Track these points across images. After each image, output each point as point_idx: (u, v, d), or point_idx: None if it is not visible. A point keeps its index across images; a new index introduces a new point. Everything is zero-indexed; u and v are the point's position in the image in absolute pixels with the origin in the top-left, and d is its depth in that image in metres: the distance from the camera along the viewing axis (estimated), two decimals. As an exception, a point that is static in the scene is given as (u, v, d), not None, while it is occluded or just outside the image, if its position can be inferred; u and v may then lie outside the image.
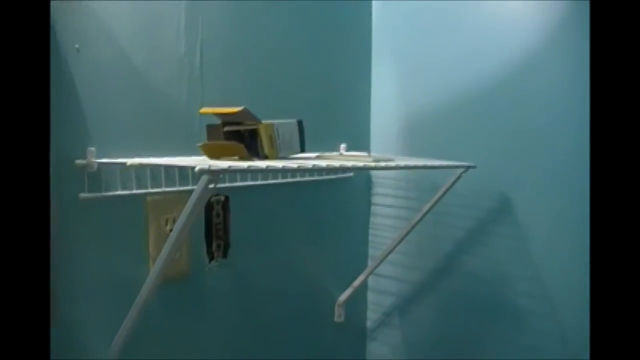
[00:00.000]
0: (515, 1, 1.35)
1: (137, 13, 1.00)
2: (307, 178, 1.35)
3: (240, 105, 0.90)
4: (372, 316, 1.65)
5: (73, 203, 0.91)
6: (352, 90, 1.55)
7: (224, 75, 1.16)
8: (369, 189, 1.62)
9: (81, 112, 0.92)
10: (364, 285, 1.58)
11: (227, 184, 1.15)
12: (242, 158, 0.88)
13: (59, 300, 0.90)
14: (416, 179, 1.53)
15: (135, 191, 1.00)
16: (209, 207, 1.13)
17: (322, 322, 1.50)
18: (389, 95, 1.56)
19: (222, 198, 1.16)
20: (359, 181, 1.58)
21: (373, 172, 1.60)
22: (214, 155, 0.90)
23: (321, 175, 1.40)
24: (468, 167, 1.26)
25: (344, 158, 1.14)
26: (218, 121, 0.94)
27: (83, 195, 0.92)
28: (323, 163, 0.90)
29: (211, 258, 1.15)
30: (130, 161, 0.90)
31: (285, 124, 0.98)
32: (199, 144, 0.91)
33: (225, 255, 1.18)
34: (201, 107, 0.99)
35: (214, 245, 1.16)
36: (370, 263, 1.57)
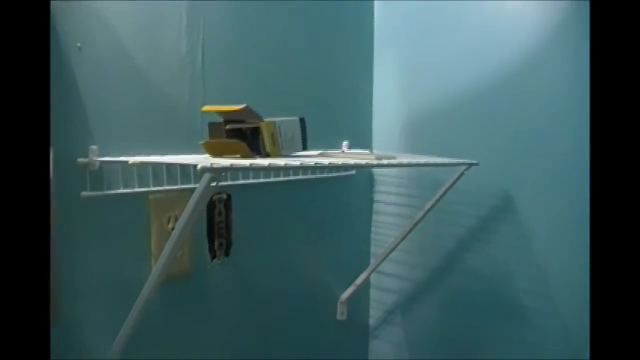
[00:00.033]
0: (516, 1, 1.35)
1: (139, 12, 1.00)
2: (309, 176, 1.35)
3: (242, 104, 0.90)
4: (374, 314, 1.65)
5: (75, 201, 0.91)
6: (354, 88, 1.54)
7: (225, 74, 1.16)
8: (371, 186, 1.61)
9: (83, 110, 0.92)
10: (366, 283, 1.58)
11: (229, 182, 1.15)
12: (244, 156, 0.88)
13: (61, 299, 0.90)
14: (418, 177, 1.53)
15: (137, 189, 1.00)
16: (211, 206, 1.13)
17: (325, 320, 1.50)
18: (391, 93, 1.56)
19: (224, 196, 1.16)
20: (361, 179, 1.58)
21: (375, 170, 1.60)
22: (216, 153, 0.90)
23: (323, 173, 1.39)
24: (471, 165, 1.26)
25: (346, 156, 1.14)
26: (220, 119, 0.94)
27: (85, 193, 0.92)
28: (325, 161, 0.89)
29: (213, 256, 1.15)
30: (132, 159, 0.90)
31: (287, 121, 0.98)
32: (201, 142, 0.91)
33: (227, 254, 1.18)
34: (203, 105, 0.99)
35: (216, 243, 1.15)
36: (373, 261, 1.57)
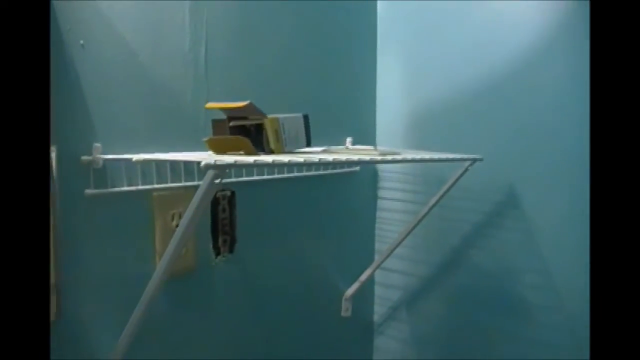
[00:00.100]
0: (518, 1, 1.34)
1: (142, 10, 1.00)
2: (313, 172, 1.35)
3: (245, 101, 0.90)
4: (379, 310, 1.65)
5: (79, 199, 0.91)
6: (357, 84, 1.54)
7: (229, 71, 1.16)
8: (376, 182, 1.61)
9: (86, 108, 0.92)
10: (370, 279, 1.58)
11: (233, 179, 1.15)
12: (248, 153, 0.88)
13: (65, 297, 0.90)
14: (422, 173, 1.52)
15: (141, 187, 1.00)
16: (215, 202, 1.13)
17: (329, 317, 1.50)
18: (395, 88, 1.55)
19: (228, 193, 1.16)
20: (366, 175, 1.57)
21: (379, 166, 1.60)
22: (219, 150, 0.90)
23: (327, 169, 1.39)
24: (475, 160, 1.26)
25: (350, 152, 1.14)
26: (224, 116, 0.94)
27: (89, 191, 0.92)
28: (329, 157, 0.89)
29: (217, 253, 1.16)
30: (136, 157, 0.90)
31: (291, 118, 0.98)
32: (205, 139, 0.90)
33: (231, 251, 1.18)
34: (206, 102, 0.99)
35: (220, 240, 1.16)
36: (377, 257, 1.57)
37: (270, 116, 0.92)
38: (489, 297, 1.43)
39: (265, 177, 1.23)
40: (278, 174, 1.26)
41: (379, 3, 1.57)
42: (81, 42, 0.91)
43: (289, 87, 1.30)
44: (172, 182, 1.04)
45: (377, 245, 1.62)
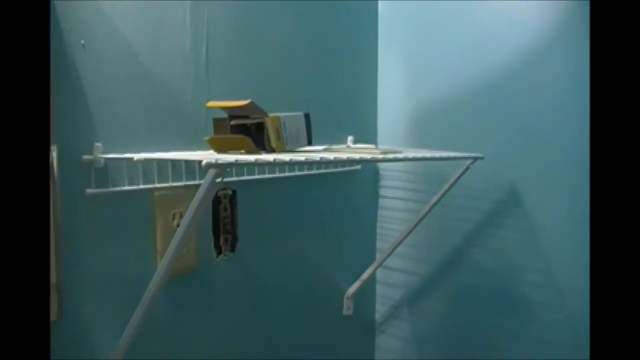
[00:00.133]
0: (519, 0, 1.34)
1: (143, 9, 1.00)
2: (314, 171, 1.35)
3: (246, 100, 0.89)
4: (380, 309, 1.65)
5: (80, 199, 0.91)
6: (359, 83, 1.54)
7: (230, 70, 1.15)
8: (377, 181, 1.61)
9: (87, 108, 0.92)
10: (372, 278, 1.58)
11: (234, 178, 1.15)
12: (249, 151, 0.88)
13: (67, 297, 0.90)
14: (424, 171, 1.52)
15: (142, 186, 1.00)
16: (216, 201, 1.13)
17: (331, 315, 1.50)
18: (396, 88, 1.55)
19: (230, 192, 1.16)
20: (367, 174, 1.57)
21: (380, 165, 1.60)
22: (221, 149, 0.90)
23: (328, 168, 1.39)
24: (476, 158, 1.26)
25: (351, 150, 1.14)
26: (225, 115, 0.94)
27: (90, 190, 0.92)
28: (330, 155, 0.89)
29: (219, 252, 1.16)
30: (137, 156, 0.90)
31: (292, 116, 0.97)
32: (206, 138, 0.90)
33: (233, 250, 1.18)
34: (207, 101, 0.99)
35: (222, 239, 1.16)
36: (379, 256, 1.57)
37: (271, 115, 0.92)
38: (490, 296, 1.43)
39: (266, 175, 1.22)
40: (279, 172, 1.26)
41: (380, 3, 1.57)
42: (82, 41, 0.91)
43: (290, 87, 1.29)
44: (173, 181, 1.04)
45: (378, 244, 1.62)
